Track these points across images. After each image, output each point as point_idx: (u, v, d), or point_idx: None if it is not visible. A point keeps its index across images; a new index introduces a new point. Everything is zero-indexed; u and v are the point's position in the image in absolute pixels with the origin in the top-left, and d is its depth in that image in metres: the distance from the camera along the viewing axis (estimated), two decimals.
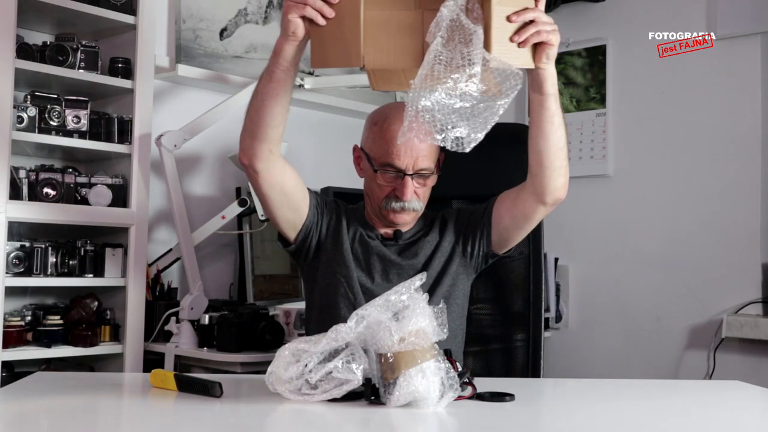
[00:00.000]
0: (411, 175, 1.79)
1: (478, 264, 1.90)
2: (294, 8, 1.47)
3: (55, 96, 2.50)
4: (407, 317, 1.28)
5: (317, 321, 1.83)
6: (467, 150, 1.33)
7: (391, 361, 1.26)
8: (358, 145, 1.90)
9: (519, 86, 1.33)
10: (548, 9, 3.33)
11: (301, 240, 1.84)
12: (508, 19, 1.38)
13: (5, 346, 2.32)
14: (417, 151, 1.78)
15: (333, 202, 1.92)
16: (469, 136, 1.33)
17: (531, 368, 2.23)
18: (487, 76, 1.34)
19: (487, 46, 1.34)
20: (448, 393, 1.28)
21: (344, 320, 1.32)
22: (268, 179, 1.75)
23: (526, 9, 1.40)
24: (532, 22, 1.41)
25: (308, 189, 1.85)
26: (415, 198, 1.82)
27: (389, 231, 1.89)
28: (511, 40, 1.39)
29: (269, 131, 1.74)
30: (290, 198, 1.79)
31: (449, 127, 1.32)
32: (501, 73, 1.33)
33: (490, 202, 1.90)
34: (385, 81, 1.55)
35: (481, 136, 1.33)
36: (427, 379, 1.26)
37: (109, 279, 2.55)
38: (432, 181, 1.85)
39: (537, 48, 1.45)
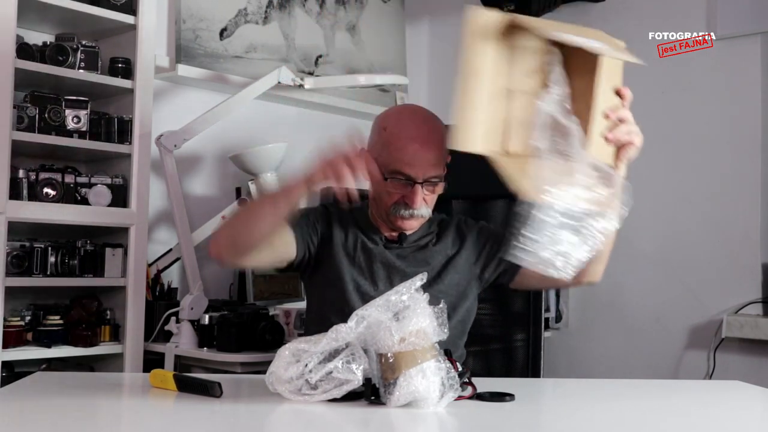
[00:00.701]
0: (421, 183, 1.75)
1: (486, 286, 1.90)
2: (330, 169, 1.48)
3: (55, 96, 2.50)
4: (408, 317, 1.28)
5: (317, 326, 1.82)
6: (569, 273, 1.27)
7: (391, 361, 1.26)
8: (364, 148, 1.82)
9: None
10: (548, 9, 3.35)
11: (296, 267, 1.81)
12: (605, 116, 1.36)
13: (5, 346, 2.32)
14: (428, 159, 1.75)
15: (321, 210, 1.86)
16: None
17: (531, 368, 2.23)
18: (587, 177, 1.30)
19: (586, 142, 1.29)
20: (448, 393, 1.28)
21: None
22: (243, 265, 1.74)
23: (618, 106, 1.38)
24: (622, 120, 1.40)
25: (289, 225, 1.76)
26: (424, 205, 1.79)
27: (394, 234, 1.86)
28: (605, 138, 1.36)
29: (257, 249, 1.66)
30: (273, 257, 1.75)
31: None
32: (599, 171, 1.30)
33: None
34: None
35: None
36: (428, 379, 1.26)
37: (109, 279, 2.55)
38: (440, 188, 1.82)
39: (620, 148, 1.44)
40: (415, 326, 1.27)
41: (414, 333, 1.27)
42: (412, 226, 1.84)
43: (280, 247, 1.74)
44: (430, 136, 1.76)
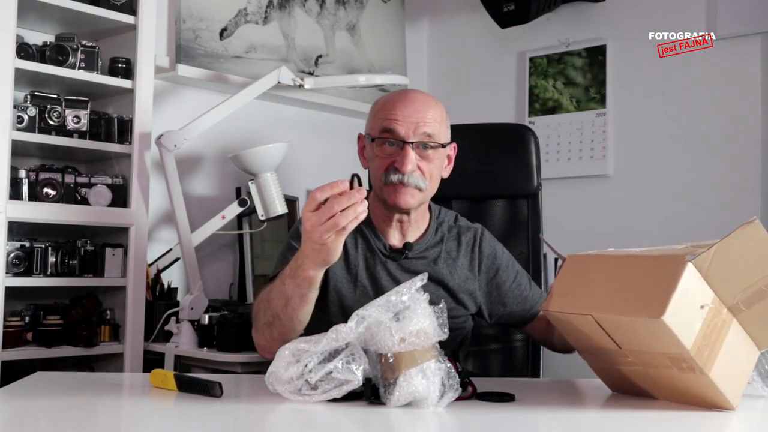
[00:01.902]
0: (411, 143, 1.65)
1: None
2: (330, 228, 1.35)
3: (55, 96, 2.50)
4: (408, 317, 1.28)
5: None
6: None
7: (391, 361, 1.26)
8: (363, 133, 1.80)
9: None
10: (548, 9, 3.35)
11: None
12: None
13: (5, 346, 2.32)
14: (419, 116, 1.65)
15: None
16: None
17: (531, 368, 2.24)
18: None
19: None
20: (449, 393, 1.28)
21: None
22: None
23: None
24: None
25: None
26: (418, 173, 1.67)
27: (398, 243, 1.76)
28: None
29: (302, 327, 1.59)
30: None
31: None
32: None
33: (532, 309, 1.81)
34: None
35: None
36: (428, 380, 1.26)
37: (109, 279, 2.55)
38: (438, 156, 1.69)
39: None
40: (416, 326, 1.27)
41: (414, 333, 1.27)
42: (406, 201, 1.68)
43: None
44: (422, 99, 1.70)
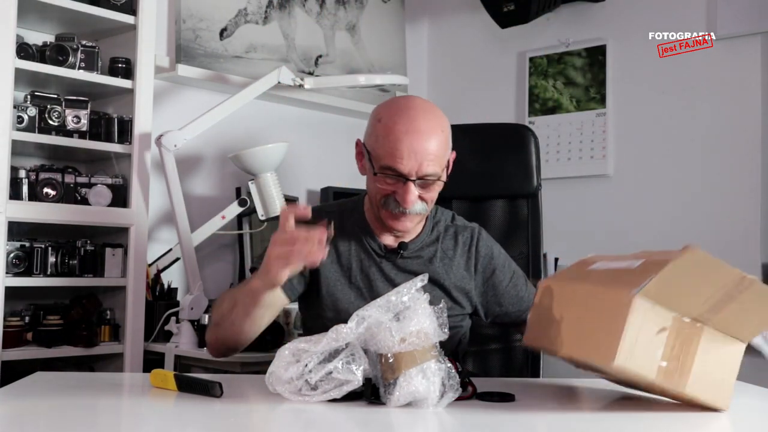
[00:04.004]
0: (414, 180, 1.61)
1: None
2: (282, 258, 1.39)
3: (55, 96, 2.50)
4: (408, 317, 1.28)
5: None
6: None
7: (391, 361, 1.26)
8: (362, 139, 1.73)
9: None
10: (548, 9, 3.35)
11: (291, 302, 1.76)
12: None
13: (5, 346, 2.32)
14: (422, 155, 1.59)
15: None
16: None
17: (531, 368, 2.23)
18: None
19: None
20: (449, 393, 1.27)
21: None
22: None
23: None
24: None
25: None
26: (419, 203, 1.65)
27: (393, 243, 1.74)
28: None
29: (251, 340, 1.65)
30: (268, 323, 1.68)
31: None
32: None
33: (528, 309, 1.71)
34: None
35: None
36: (428, 380, 1.26)
37: (109, 279, 2.55)
38: (438, 187, 1.67)
39: None
40: (416, 326, 1.27)
41: (414, 333, 1.26)
42: (405, 226, 1.69)
43: (271, 310, 1.66)
44: (427, 130, 1.61)
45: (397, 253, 1.73)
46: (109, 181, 2.56)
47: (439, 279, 1.75)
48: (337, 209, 1.80)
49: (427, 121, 1.61)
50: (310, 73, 3.42)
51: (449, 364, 1.29)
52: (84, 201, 2.52)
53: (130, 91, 2.60)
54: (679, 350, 1.29)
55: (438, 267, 1.76)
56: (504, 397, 1.37)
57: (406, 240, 1.75)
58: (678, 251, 1.24)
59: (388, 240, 1.75)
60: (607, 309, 1.28)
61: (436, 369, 1.27)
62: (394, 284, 1.67)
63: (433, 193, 1.68)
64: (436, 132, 1.62)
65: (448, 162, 1.69)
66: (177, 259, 2.79)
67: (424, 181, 1.63)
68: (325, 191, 3.28)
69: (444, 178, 1.68)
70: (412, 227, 1.72)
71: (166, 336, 2.63)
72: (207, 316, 2.53)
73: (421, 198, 1.65)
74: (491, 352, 2.26)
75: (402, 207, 1.63)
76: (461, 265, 1.79)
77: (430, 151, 1.60)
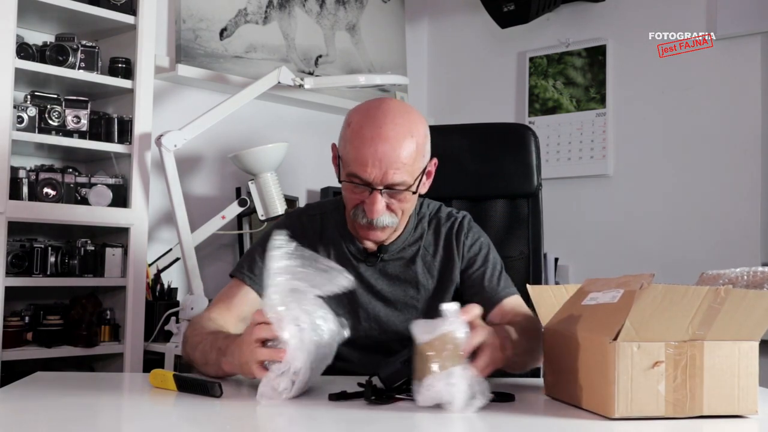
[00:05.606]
0: (380, 190, 1.52)
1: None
2: (256, 355, 1.30)
3: (55, 96, 2.50)
4: (441, 324, 1.28)
5: None
6: None
7: (423, 362, 1.26)
8: (337, 143, 1.65)
9: None
10: (548, 9, 3.35)
11: None
12: None
13: (5, 346, 2.32)
14: (388, 162, 1.50)
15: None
16: None
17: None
18: None
19: None
20: (477, 398, 1.27)
21: None
22: None
23: None
24: None
25: (247, 284, 1.62)
26: (388, 214, 1.56)
27: (373, 246, 1.65)
28: None
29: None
30: None
31: None
32: None
33: (489, 301, 1.67)
34: None
35: None
36: (454, 385, 1.26)
37: (109, 279, 2.55)
38: (410, 198, 1.57)
39: None
40: (448, 330, 1.27)
41: (446, 338, 1.27)
42: (377, 237, 1.60)
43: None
44: (395, 136, 1.51)
45: (377, 257, 1.67)
46: (109, 181, 2.56)
47: (419, 281, 1.69)
48: (318, 212, 1.73)
49: (396, 127, 1.52)
50: (310, 73, 3.42)
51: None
52: (84, 201, 2.52)
53: (130, 91, 2.60)
54: (683, 376, 1.24)
55: (419, 267, 1.69)
56: (504, 397, 1.37)
57: (387, 242, 1.67)
58: (638, 290, 1.21)
59: (369, 243, 1.67)
60: (596, 359, 1.26)
61: (463, 374, 1.27)
62: (373, 291, 1.65)
63: (405, 204, 1.58)
64: (406, 138, 1.52)
65: (425, 170, 1.60)
66: (177, 259, 2.79)
67: (391, 191, 1.54)
68: (325, 191, 3.28)
69: (418, 188, 1.58)
70: (384, 238, 1.63)
71: (166, 336, 2.63)
72: None
73: (390, 209, 1.56)
74: None
75: (367, 218, 1.55)
76: (443, 258, 1.71)
77: (398, 159, 1.51)
